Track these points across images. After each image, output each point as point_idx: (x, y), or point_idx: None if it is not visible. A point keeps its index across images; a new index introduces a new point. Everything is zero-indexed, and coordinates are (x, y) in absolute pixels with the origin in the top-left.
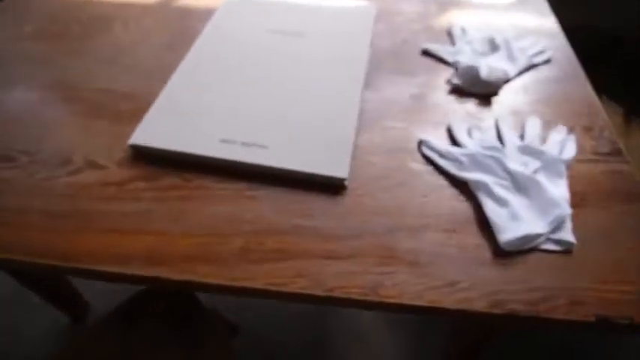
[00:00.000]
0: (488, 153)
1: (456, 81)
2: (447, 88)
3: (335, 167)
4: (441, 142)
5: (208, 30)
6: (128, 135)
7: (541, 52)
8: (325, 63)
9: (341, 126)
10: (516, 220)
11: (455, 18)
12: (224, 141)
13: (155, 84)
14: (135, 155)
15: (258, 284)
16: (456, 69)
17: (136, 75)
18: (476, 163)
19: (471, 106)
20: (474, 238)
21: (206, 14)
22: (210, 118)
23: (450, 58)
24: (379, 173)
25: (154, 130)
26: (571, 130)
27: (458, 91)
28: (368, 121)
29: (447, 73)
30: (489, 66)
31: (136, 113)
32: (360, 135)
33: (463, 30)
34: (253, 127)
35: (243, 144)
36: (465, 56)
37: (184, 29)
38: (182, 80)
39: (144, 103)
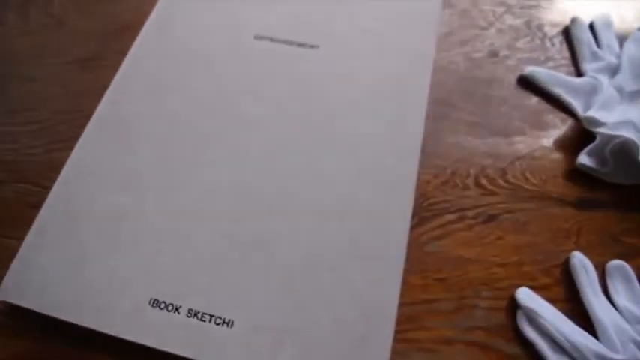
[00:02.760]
0: None
1: (588, 162)
2: (563, 166)
3: None
4: (556, 313)
5: (148, 34)
6: None
7: None
8: (352, 109)
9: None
10: None
11: (581, 8)
12: (157, 305)
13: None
14: (6, 315)
15: None
16: (593, 137)
17: (29, 136)
18: None
19: (618, 221)
20: None
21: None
22: (137, 256)
23: (574, 104)
24: None
25: (33, 280)
26: None
27: (587, 179)
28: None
29: (565, 131)
30: None
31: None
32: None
33: (600, 37)
34: (219, 287)
35: (192, 317)
36: (606, 105)
37: (115, 26)
38: (87, 165)
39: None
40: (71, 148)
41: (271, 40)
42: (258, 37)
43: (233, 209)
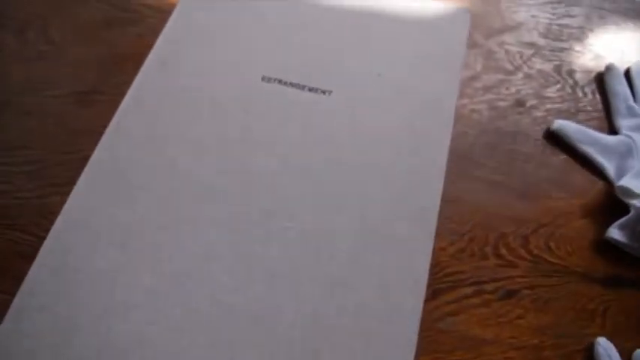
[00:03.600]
0: None
1: (619, 236)
2: (591, 236)
3: None
4: None
5: (150, 71)
6: None
7: None
8: (365, 166)
9: None
10: None
11: (617, 54)
12: None
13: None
14: None
15: None
16: (626, 206)
17: (23, 177)
18: None
19: None
20: None
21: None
22: (130, 322)
23: (605, 165)
24: None
25: (18, 351)
26: None
27: (616, 253)
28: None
29: (594, 196)
30: None
31: None
32: None
33: (638, 89)
34: None
35: None
36: None
37: (114, 55)
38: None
39: None
40: (66, 193)
41: (280, 82)
42: (266, 79)
43: (233, 276)
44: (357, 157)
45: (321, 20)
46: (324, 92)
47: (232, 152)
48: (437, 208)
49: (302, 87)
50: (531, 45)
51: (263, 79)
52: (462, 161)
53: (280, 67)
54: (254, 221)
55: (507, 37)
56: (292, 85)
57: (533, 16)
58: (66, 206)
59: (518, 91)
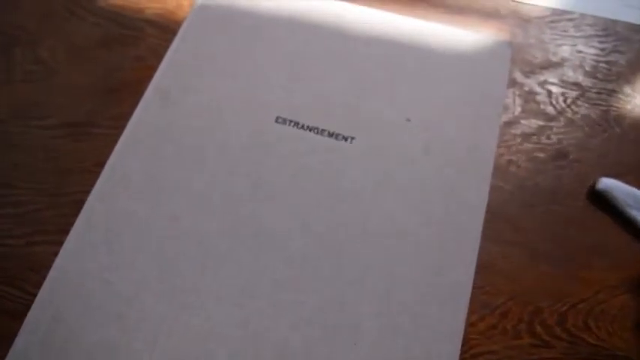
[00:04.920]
0: None
1: None
2: (635, 316)
3: None
4: None
5: (150, 105)
6: None
7: None
8: (392, 229)
9: None
10: None
11: None
12: None
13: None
14: None
15: None
16: None
17: (9, 221)
18: None
19: None
20: None
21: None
22: None
23: None
24: None
25: None
26: None
27: None
28: None
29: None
30: None
31: None
32: None
33: None
34: None
35: None
36: None
37: (111, 82)
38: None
39: None
40: (56, 243)
41: (296, 125)
42: (280, 120)
43: (238, 358)
44: (383, 221)
45: (344, 52)
46: (345, 139)
47: (241, 210)
48: (471, 284)
49: (321, 131)
50: (576, 85)
51: (277, 120)
52: (496, 221)
53: (297, 107)
54: (263, 293)
55: (550, 75)
56: (310, 128)
57: (579, 52)
58: (56, 263)
59: (559, 141)
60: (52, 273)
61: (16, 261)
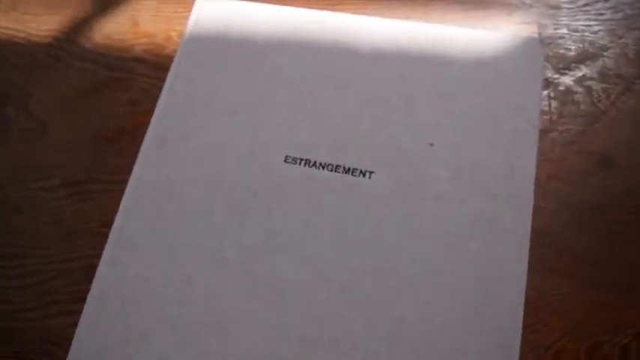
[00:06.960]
0: None
1: None
2: None
3: None
4: None
5: (149, 154)
6: None
7: None
8: (423, 277)
9: None
10: None
11: None
12: None
13: None
14: None
15: None
16: None
17: (22, 293)
18: None
19: None
20: None
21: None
22: None
23: None
24: None
25: None
26: None
27: None
28: None
29: None
30: None
31: None
32: None
33: None
34: None
35: None
36: None
37: (107, 130)
38: None
39: None
40: (74, 313)
41: (308, 163)
42: (290, 159)
43: None
44: (412, 264)
45: (352, 73)
46: (363, 174)
47: (256, 265)
48: (520, 327)
49: (335, 168)
50: (619, 78)
51: (286, 159)
52: (540, 248)
53: (307, 143)
54: (290, 355)
55: (588, 70)
56: (323, 166)
57: (619, 37)
58: (75, 340)
59: (604, 146)
60: (73, 352)
61: (36, 336)
